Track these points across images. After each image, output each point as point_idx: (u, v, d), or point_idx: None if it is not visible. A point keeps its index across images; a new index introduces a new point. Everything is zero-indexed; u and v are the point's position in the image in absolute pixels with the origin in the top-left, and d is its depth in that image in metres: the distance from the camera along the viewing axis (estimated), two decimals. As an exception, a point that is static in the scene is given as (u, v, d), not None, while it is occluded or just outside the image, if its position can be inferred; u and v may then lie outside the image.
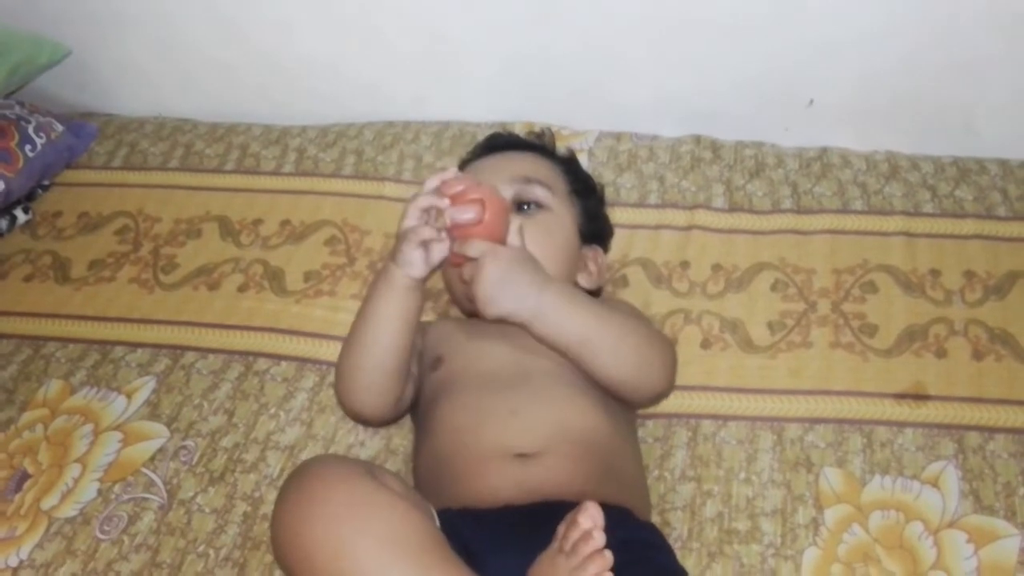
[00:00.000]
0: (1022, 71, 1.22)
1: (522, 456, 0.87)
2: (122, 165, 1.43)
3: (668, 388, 0.98)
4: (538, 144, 1.14)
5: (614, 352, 0.91)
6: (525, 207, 1.02)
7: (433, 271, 0.93)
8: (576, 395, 0.92)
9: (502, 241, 0.91)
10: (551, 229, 1.02)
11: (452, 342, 0.99)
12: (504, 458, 0.87)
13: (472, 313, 0.97)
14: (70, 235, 1.33)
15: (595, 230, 1.09)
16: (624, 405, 0.97)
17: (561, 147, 1.17)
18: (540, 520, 0.80)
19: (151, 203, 1.35)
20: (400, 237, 0.92)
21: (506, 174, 1.04)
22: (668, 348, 0.97)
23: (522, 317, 0.89)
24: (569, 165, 1.12)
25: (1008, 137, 1.26)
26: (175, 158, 1.42)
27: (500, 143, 1.14)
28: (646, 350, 0.94)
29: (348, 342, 0.95)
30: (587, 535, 0.72)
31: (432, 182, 0.92)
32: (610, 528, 0.79)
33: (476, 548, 0.79)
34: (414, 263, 0.90)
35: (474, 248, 0.89)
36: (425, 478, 0.92)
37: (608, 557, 0.72)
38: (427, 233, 0.90)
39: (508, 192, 1.02)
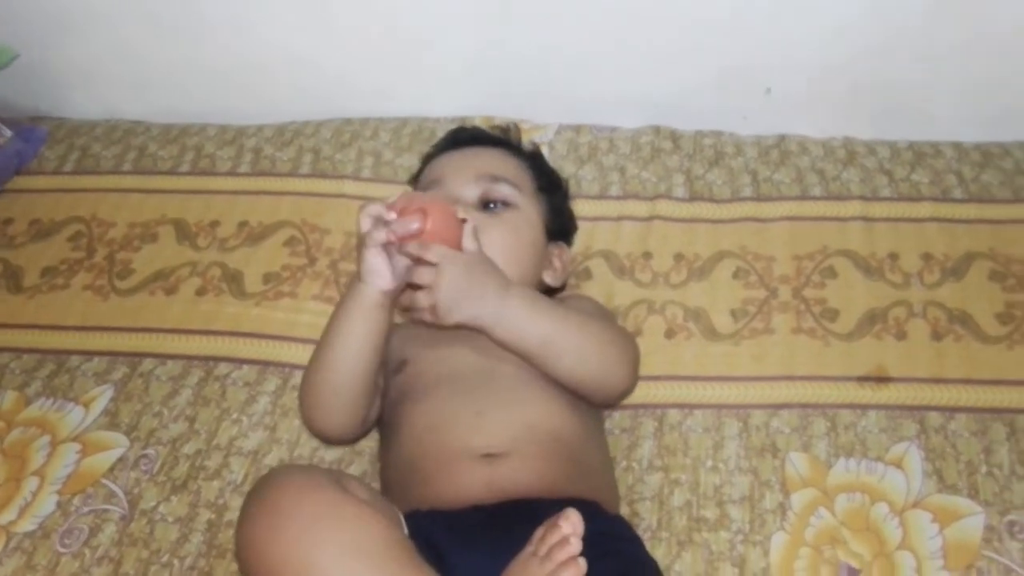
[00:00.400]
0: (975, 55, 1.23)
1: (489, 456, 0.86)
2: (74, 170, 1.40)
3: (632, 386, 0.97)
4: (504, 140, 1.12)
5: (576, 355, 0.91)
6: (492, 206, 1.01)
7: (401, 288, 0.89)
8: (541, 394, 0.91)
9: (456, 246, 0.88)
10: (518, 228, 1.01)
11: (416, 344, 0.98)
12: (471, 458, 0.86)
13: (429, 324, 0.93)
14: (21, 243, 1.30)
15: (560, 227, 1.09)
16: (589, 404, 0.96)
17: (525, 142, 1.16)
18: (509, 520, 0.79)
19: (104, 208, 1.33)
20: (359, 248, 0.89)
21: (472, 172, 1.03)
22: (631, 346, 0.97)
23: (483, 323, 0.87)
24: (535, 161, 1.11)
25: (962, 120, 1.27)
26: (128, 161, 1.39)
27: (464, 137, 1.12)
28: (609, 350, 0.93)
29: (313, 363, 0.92)
30: (564, 541, 0.71)
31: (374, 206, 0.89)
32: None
33: (445, 550, 0.78)
34: (379, 271, 0.87)
35: (432, 253, 0.86)
36: (392, 481, 0.91)
37: (582, 565, 0.70)
38: (383, 236, 0.86)
39: (474, 191, 1.01)
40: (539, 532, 0.73)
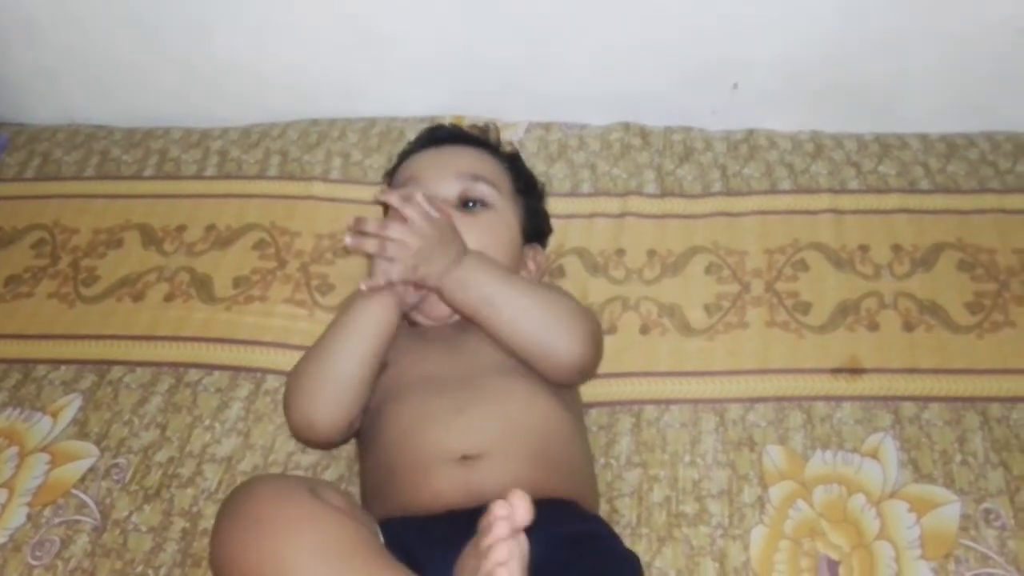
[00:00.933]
0: (938, 46, 1.24)
1: (467, 458, 0.85)
2: (35, 176, 1.37)
3: (586, 358, 0.93)
4: (483, 140, 1.11)
5: (519, 315, 0.91)
6: (470, 205, 1.01)
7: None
8: (524, 392, 0.91)
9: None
10: (496, 228, 1.00)
11: (397, 346, 0.96)
12: (448, 460, 0.85)
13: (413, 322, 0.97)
14: (-17, 251, 1.27)
15: (536, 228, 1.09)
16: (555, 384, 0.94)
17: (505, 145, 1.15)
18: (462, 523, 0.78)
19: (68, 214, 1.30)
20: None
21: (451, 170, 1.02)
22: (584, 316, 0.95)
23: (439, 281, 0.91)
24: (513, 163, 1.11)
25: (927, 112, 1.29)
26: (91, 166, 1.37)
27: (443, 136, 1.11)
28: (555, 315, 0.92)
29: (318, 356, 0.92)
30: (496, 520, 0.69)
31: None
32: (557, 522, 0.80)
33: (422, 558, 0.77)
34: (390, 306, 0.92)
35: (409, 208, 0.90)
36: (371, 486, 0.90)
37: (516, 546, 0.69)
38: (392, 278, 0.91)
39: (453, 189, 1.00)
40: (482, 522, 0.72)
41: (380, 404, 0.92)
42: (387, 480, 0.87)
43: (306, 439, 0.96)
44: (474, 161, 1.05)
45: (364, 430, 0.94)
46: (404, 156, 1.11)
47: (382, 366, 0.95)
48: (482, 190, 1.01)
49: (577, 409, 0.98)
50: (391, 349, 0.96)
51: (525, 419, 0.89)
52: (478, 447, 0.85)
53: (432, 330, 0.99)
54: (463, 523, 0.80)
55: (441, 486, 0.84)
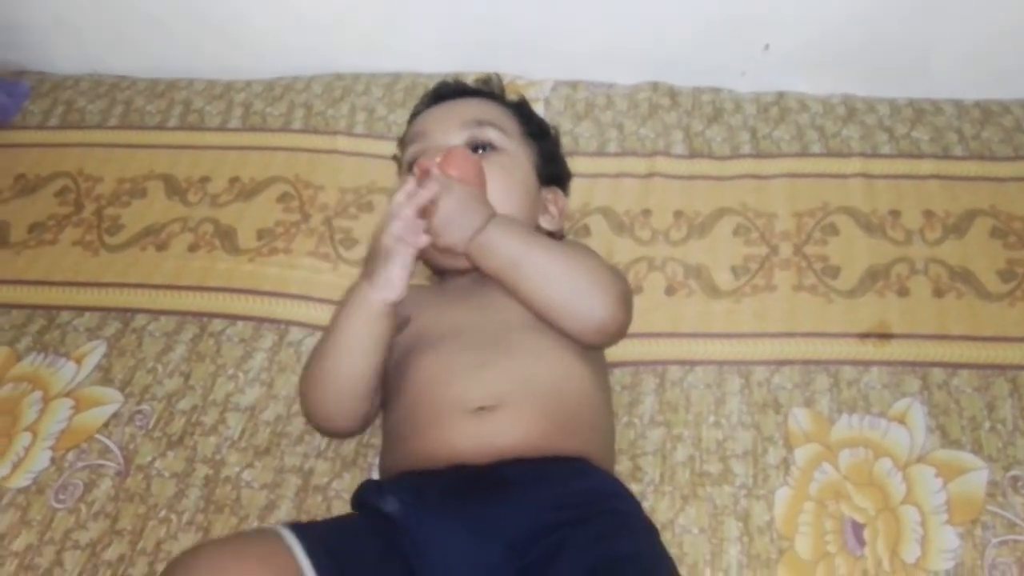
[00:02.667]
0: (975, 11, 1.22)
1: (482, 409, 0.84)
2: (59, 124, 1.37)
3: (615, 320, 0.91)
4: (486, 90, 1.11)
5: (547, 274, 0.90)
6: (480, 150, 0.99)
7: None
8: (546, 346, 0.90)
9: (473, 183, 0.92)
10: (508, 169, 0.99)
11: (419, 302, 0.95)
12: (464, 412, 0.84)
13: (436, 266, 0.96)
14: (7, 198, 1.27)
15: (553, 172, 1.07)
16: (583, 346, 0.92)
17: (511, 94, 1.13)
18: (482, 487, 0.79)
19: (91, 163, 1.30)
20: (379, 253, 0.87)
21: (457, 120, 1.01)
22: (614, 278, 0.94)
23: (467, 246, 0.89)
24: (520, 109, 1.09)
25: (962, 77, 1.26)
26: (114, 116, 1.36)
27: (447, 91, 1.10)
28: (581, 274, 0.91)
29: (316, 363, 0.90)
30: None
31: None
32: (566, 478, 0.81)
33: (422, 514, 0.77)
34: (396, 286, 0.86)
35: (435, 181, 0.88)
36: (391, 440, 0.89)
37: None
38: (409, 256, 0.87)
39: (461, 137, 0.99)
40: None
41: (403, 357, 0.91)
42: (405, 432, 0.87)
43: (329, 435, 0.97)
44: (478, 108, 1.04)
45: (388, 384, 0.93)
46: (413, 115, 1.10)
47: (404, 321, 0.94)
48: (489, 134, 1.00)
49: (600, 367, 0.97)
50: (412, 304, 0.95)
51: (544, 374, 0.88)
52: (494, 398, 0.84)
53: (456, 284, 0.98)
54: (470, 479, 0.80)
55: (454, 437, 0.83)
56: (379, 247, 0.87)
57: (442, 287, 1.00)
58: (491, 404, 0.84)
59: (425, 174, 0.90)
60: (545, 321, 0.91)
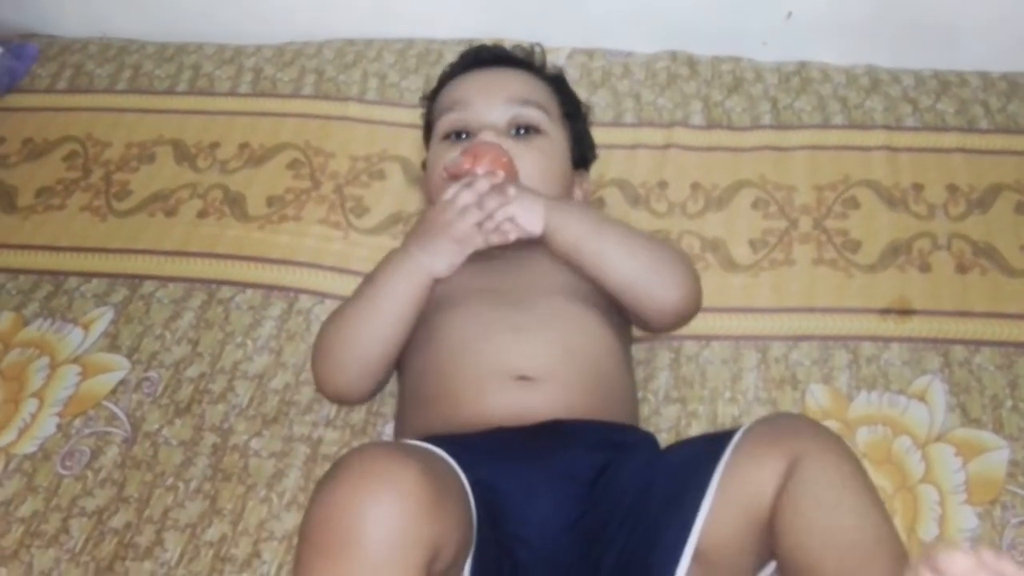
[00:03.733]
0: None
1: (524, 379, 0.83)
2: (67, 88, 1.35)
3: (688, 302, 0.91)
4: (529, 62, 1.07)
5: (622, 254, 0.89)
6: (522, 131, 0.97)
7: None
8: (580, 315, 0.88)
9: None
10: (549, 155, 0.97)
11: None
12: (506, 378, 0.83)
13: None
14: (15, 162, 1.25)
15: (582, 154, 1.06)
16: (651, 328, 0.94)
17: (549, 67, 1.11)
18: (541, 440, 0.79)
19: (100, 127, 1.28)
20: (440, 230, 0.89)
21: (502, 95, 0.98)
22: (684, 258, 0.94)
23: (552, 225, 0.89)
24: (559, 85, 1.07)
25: (988, 50, 1.23)
26: (123, 80, 1.34)
27: (488, 57, 1.07)
28: (658, 252, 0.91)
29: (346, 324, 0.89)
30: None
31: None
32: (607, 432, 0.82)
33: (486, 474, 0.75)
34: (451, 266, 0.89)
35: (511, 189, 0.89)
36: (415, 404, 0.87)
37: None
38: (479, 241, 0.89)
39: (503, 115, 0.97)
40: None
41: (428, 316, 0.89)
42: (436, 395, 0.84)
43: (338, 402, 0.95)
44: (523, 85, 1.01)
45: (409, 343, 0.90)
46: (447, 78, 1.07)
47: None
48: (533, 115, 0.98)
49: (627, 339, 0.96)
50: None
51: (582, 345, 0.86)
52: (536, 371, 0.83)
53: (488, 252, 0.94)
54: (512, 441, 0.79)
55: (495, 404, 0.81)
56: (441, 224, 0.89)
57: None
58: (533, 376, 0.83)
59: (456, 178, 0.91)
60: (621, 300, 0.90)
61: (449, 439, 0.78)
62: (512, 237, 0.89)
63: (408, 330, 0.89)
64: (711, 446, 0.76)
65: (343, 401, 0.95)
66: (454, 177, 0.91)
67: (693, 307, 0.93)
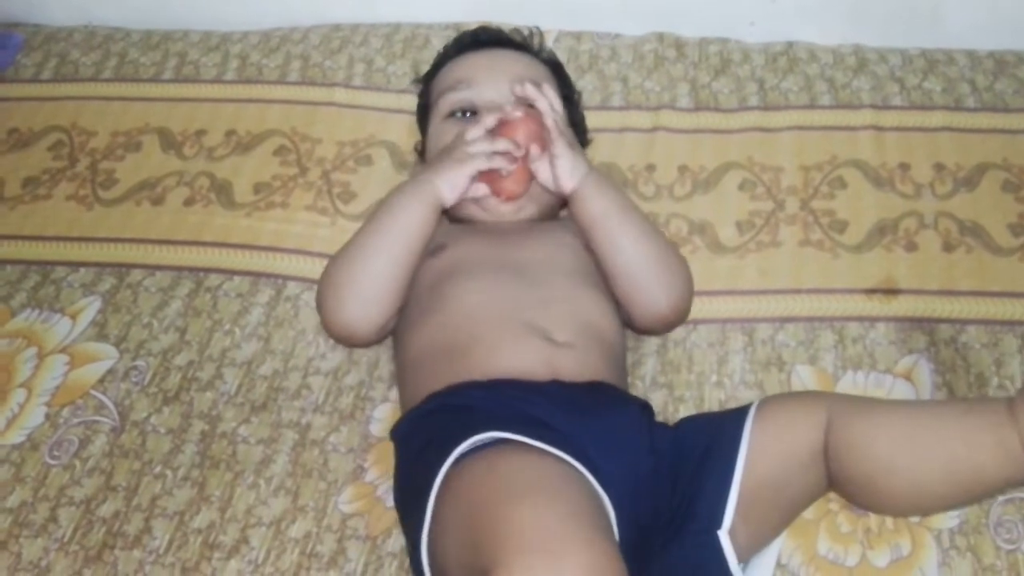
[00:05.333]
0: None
1: (551, 340, 0.84)
2: (52, 77, 1.34)
3: (676, 313, 0.94)
4: (527, 45, 1.08)
5: (640, 236, 0.91)
6: None
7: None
8: (591, 292, 0.90)
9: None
10: None
11: (453, 233, 0.95)
12: (535, 333, 0.83)
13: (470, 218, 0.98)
14: (0, 152, 1.25)
15: (577, 138, 1.06)
16: (635, 326, 0.95)
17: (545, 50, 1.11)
18: (594, 392, 0.81)
19: (85, 116, 1.27)
20: (451, 156, 0.90)
21: (507, 75, 0.99)
22: (688, 272, 0.95)
23: (579, 176, 0.90)
24: (557, 69, 1.07)
25: (975, 27, 1.23)
26: (108, 68, 1.34)
27: (487, 39, 1.07)
28: (669, 256, 0.93)
29: (356, 252, 0.89)
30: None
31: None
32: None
33: (542, 414, 0.76)
34: (459, 187, 0.90)
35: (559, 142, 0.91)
36: (427, 358, 0.85)
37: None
38: (483, 163, 0.90)
39: (509, 95, 0.97)
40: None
41: (442, 280, 0.89)
42: (461, 344, 0.84)
43: (341, 339, 0.95)
44: (526, 67, 1.02)
45: (418, 307, 0.90)
46: (444, 59, 1.06)
47: (438, 247, 0.93)
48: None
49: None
50: (445, 234, 0.95)
51: (597, 321, 0.88)
52: (564, 336, 0.84)
53: (496, 226, 0.96)
54: (574, 395, 0.80)
55: (526, 356, 0.82)
56: (453, 151, 0.91)
57: (473, 227, 0.97)
58: (560, 340, 0.84)
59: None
60: (615, 287, 0.92)
61: (509, 383, 0.79)
62: (543, 177, 0.91)
63: (416, 257, 0.90)
64: (732, 412, 0.83)
65: (350, 339, 0.93)
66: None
67: (677, 320, 0.96)
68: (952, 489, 0.76)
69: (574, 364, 0.83)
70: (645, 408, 0.86)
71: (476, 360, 0.82)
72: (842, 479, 0.79)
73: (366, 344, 0.96)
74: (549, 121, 0.91)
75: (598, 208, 0.91)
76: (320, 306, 0.91)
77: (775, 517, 0.80)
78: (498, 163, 0.90)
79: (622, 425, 0.79)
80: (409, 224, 0.89)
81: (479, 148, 0.90)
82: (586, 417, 0.78)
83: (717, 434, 0.80)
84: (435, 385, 0.83)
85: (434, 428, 0.78)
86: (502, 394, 0.78)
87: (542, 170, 0.92)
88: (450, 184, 0.90)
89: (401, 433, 0.84)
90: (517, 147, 0.91)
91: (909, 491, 0.77)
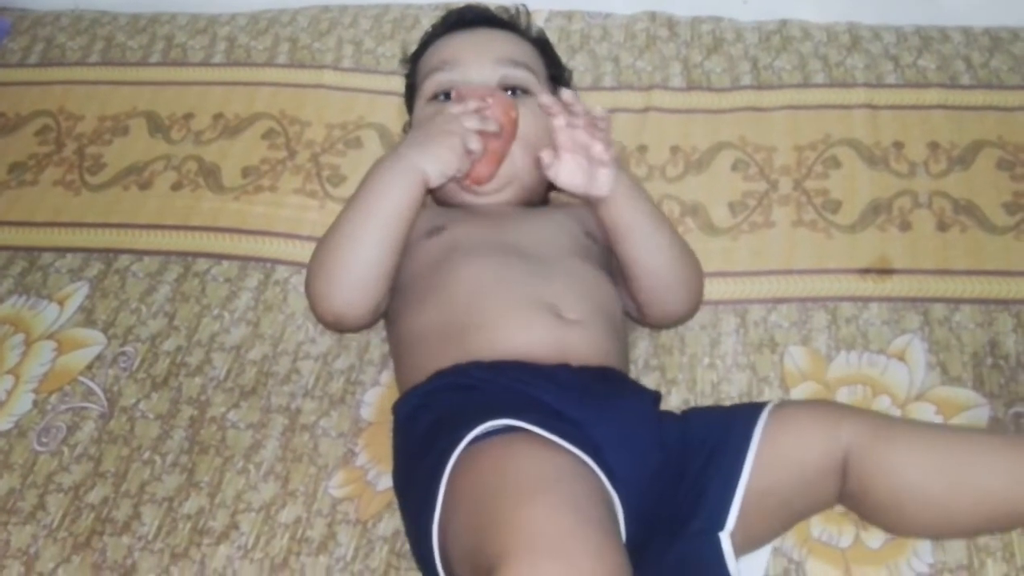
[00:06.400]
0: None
1: (560, 318, 0.82)
2: (39, 62, 1.33)
3: (688, 315, 0.95)
4: (514, 23, 1.06)
5: (664, 246, 0.90)
6: (511, 92, 0.96)
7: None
8: (594, 274, 0.89)
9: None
10: (540, 116, 0.94)
11: (452, 215, 0.93)
12: (543, 310, 0.82)
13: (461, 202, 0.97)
14: (-13, 137, 1.24)
15: None
16: (632, 312, 0.94)
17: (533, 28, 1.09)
18: (605, 378, 0.81)
19: (72, 100, 1.26)
20: (438, 130, 0.88)
21: (492, 55, 0.97)
22: (701, 273, 0.95)
23: (611, 180, 0.87)
24: (544, 47, 1.06)
25: (970, 4, 1.22)
26: (95, 52, 1.32)
27: (473, 17, 1.05)
28: (693, 262, 0.93)
29: (341, 235, 0.86)
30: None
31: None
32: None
33: (552, 400, 0.76)
34: (444, 162, 0.87)
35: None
36: (431, 337, 0.84)
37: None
38: (475, 144, 0.87)
39: (493, 75, 0.96)
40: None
41: (443, 259, 0.87)
42: (466, 322, 0.82)
43: (332, 325, 0.93)
44: (512, 46, 1.00)
45: (413, 288, 0.88)
46: (431, 38, 1.05)
47: (435, 229, 0.91)
48: (522, 76, 0.97)
49: None
50: (443, 215, 0.94)
51: (604, 300, 0.87)
52: (573, 313, 0.83)
53: (493, 209, 0.95)
54: (586, 380, 0.79)
55: (534, 334, 0.81)
56: (438, 127, 0.88)
57: (471, 210, 0.95)
58: (571, 317, 0.83)
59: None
60: (631, 285, 0.91)
61: (516, 365, 0.78)
62: (565, 178, 0.87)
63: (404, 239, 0.87)
64: (743, 410, 0.81)
65: (340, 324, 0.91)
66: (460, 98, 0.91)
67: (690, 317, 0.96)
68: (982, 521, 0.76)
69: (584, 345, 0.82)
70: (656, 400, 0.85)
71: (483, 338, 0.81)
72: (862, 500, 0.77)
73: (357, 329, 0.95)
74: (601, 124, 0.87)
75: (628, 217, 0.89)
76: (309, 293, 0.89)
77: (776, 523, 0.80)
78: (474, 144, 0.88)
79: (634, 418, 0.78)
80: (397, 205, 0.86)
81: (470, 124, 0.88)
82: (598, 407, 0.77)
83: (726, 433, 0.79)
84: (441, 363, 0.81)
85: (443, 408, 0.77)
86: (510, 376, 0.77)
87: (567, 170, 0.87)
88: (438, 163, 0.87)
89: (406, 410, 0.82)
90: (498, 129, 0.89)
91: (937, 519, 0.76)
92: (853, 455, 0.76)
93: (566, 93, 0.88)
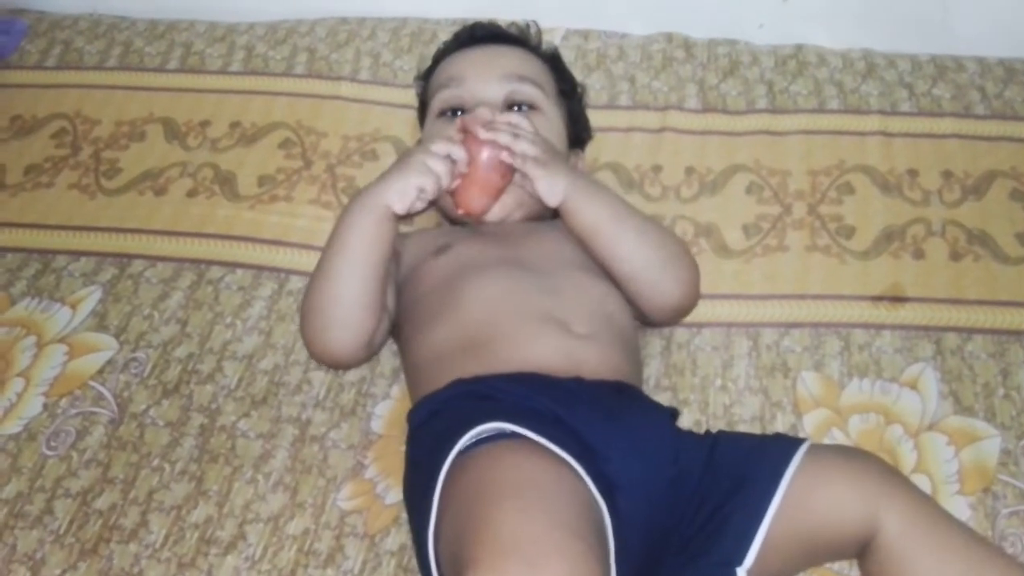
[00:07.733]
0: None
1: (571, 332, 0.83)
2: (56, 64, 1.33)
3: (688, 299, 0.94)
4: (524, 39, 1.07)
5: (640, 239, 0.89)
6: (517, 108, 0.96)
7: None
8: (602, 288, 0.89)
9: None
10: (546, 131, 0.96)
11: (458, 234, 0.94)
12: (552, 324, 0.82)
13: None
14: (3, 139, 1.24)
15: (578, 134, 1.05)
16: (637, 316, 0.93)
17: (545, 45, 1.10)
18: (617, 392, 0.80)
19: (89, 104, 1.27)
20: (403, 161, 0.88)
21: (496, 71, 0.98)
22: (688, 252, 0.94)
23: (561, 189, 0.88)
24: (555, 63, 1.06)
25: (985, 34, 1.22)
26: (113, 57, 1.33)
27: (482, 34, 1.06)
28: (670, 247, 0.92)
29: (319, 276, 0.87)
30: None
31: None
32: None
33: (562, 413, 0.75)
34: (405, 194, 0.85)
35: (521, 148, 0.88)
36: (445, 356, 0.84)
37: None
38: (445, 179, 0.87)
39: (499, 91, 0.97)
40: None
41: (453, 277, 0.88)
42: (476, 338, 0.83)
43: (329, 365, 0.94)
44: (519, 61, 1.00)
45: (422, 306, 0.89)
46: (441, 55, 1.06)
47: (442, 247, 0.92)
48: (529, 92, 0.97)
49: None
50: (448, 235, 0.94)
51: (614, 312, 0.88)
52: (582, 328, 0.83)
53: (498, 227, 0.95)
54: (599, 394, 0.79)
55: (544, 346, 0.81)
56: (404, 157, 0.88)
57: (476, 228, 0.96)
58: (581, 332, 0.83)
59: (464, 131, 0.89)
60: (623, 288, 0.90)
61: (529, 377, 0.78)
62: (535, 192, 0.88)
63: (383, 270, 0.86)
64: (777, 445, 0.79)
65: (336, 362, 0.92)
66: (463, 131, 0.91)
67: (691, 304, 0.95)
68: None
69: (595, 358, 0.82)
70: (673, 415, 0.85)
71: (497, 354, 0.81)
72: (876, 572, 0.76)
73: (355, 365, 0.94)
74: (514, 147, 0.87)
75: (588, 219, 0.89)
76: (302, 337, 0.91)
77: (794, 565, 0.78)
78: (441, 175, 0.86)
79: (647, 427, 0.78)
80: (365, 242, 0.85)
81: (436, 149, 0.87)
82: (609, 415, 0.76)
83: (756, 467, 0.77)
84: (439, 382, 0.81)
85: (453, 416, 0.77)
86: (526, 386, 0.77)
87: (529, 188, 0.90)
88: (398, 194, 0.85)
89: (419, 417, 0.82)
90: (468, 160, 0.88)
91: None
92: (882, 540, 0.74)
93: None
